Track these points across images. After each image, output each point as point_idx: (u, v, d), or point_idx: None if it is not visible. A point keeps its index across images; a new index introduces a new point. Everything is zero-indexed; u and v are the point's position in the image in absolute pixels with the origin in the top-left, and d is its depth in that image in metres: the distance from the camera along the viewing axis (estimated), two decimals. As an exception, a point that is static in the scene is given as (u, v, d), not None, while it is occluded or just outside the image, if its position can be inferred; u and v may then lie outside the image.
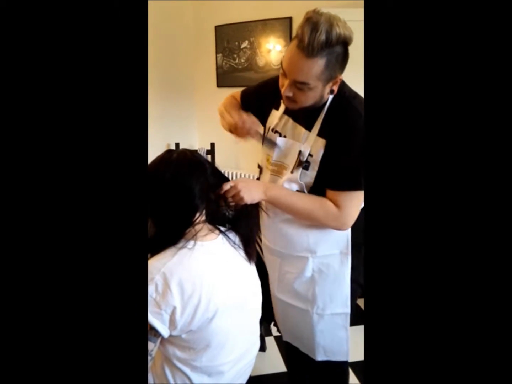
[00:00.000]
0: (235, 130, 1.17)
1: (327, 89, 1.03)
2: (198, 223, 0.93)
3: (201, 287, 0.85)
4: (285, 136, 1.16)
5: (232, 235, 1.01)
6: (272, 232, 1.18)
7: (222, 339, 0.89)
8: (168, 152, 0.95)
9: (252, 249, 1.05)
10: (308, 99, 1.03)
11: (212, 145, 2.89)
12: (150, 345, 0.85)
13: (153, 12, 2.89)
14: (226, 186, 1.00)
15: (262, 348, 1.93)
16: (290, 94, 1.02)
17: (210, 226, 0.97)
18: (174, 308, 0.82)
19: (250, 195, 1.03)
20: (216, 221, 1.01)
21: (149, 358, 0.87)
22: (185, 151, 0.96)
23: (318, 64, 0.95)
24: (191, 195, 0.90)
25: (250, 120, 1.14)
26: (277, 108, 1.20)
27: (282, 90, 1.03)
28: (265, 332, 1.97)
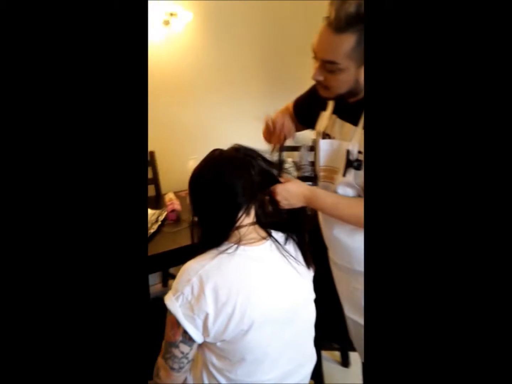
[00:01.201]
0: (267, 135, 1.08)
1: (363, 73, 0.88)
2: (243, 225, 0.87)
3: (236, 295, 0.79)
4: (333, 138, 1.03)
5: (286, 241, 0.93)
6: (333, 245, 1.06)
7: (259, 355, 0.82)
8: (214, 151, 0.91)
9: (308, 256, 0.96)
10: (341, 84, 0.90)
11: (314, 141, 2.79)
12: (186, 348, 0.82)
13: (264, 10, 2.92)
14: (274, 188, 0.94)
15: (346, 363, 1.78)
16: (321, 78, 0.91)
17: (259, 230, 0.90)
18: (207, 315, 0.78)
19: (289, 203, 0.96)
20: (267, 224, 0.94)
21: (185, 360, 0.84)
22: (230, 148, 0.92)
23: (347, 40, 0.83)
24: (233, 192, 0.84)
25: (281, 123, 1.04)
26: (325, 109, 1.08)
27: (312, 74, 0.92)
28: (349, 346, 1.82)
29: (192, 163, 2.32)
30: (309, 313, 0.91)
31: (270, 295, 0.83)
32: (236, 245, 0.85)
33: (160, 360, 0.86)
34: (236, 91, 2.55)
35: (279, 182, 0.98)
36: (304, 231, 0.98)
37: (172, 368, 0.85)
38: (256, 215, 0.92)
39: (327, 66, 0.88)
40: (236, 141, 1.26)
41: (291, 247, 0.93)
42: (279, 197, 0.96)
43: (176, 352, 0.83)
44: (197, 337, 0.80)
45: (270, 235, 0.90)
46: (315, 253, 1.24)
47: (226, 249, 0.84)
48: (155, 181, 2.28)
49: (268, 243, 0.89)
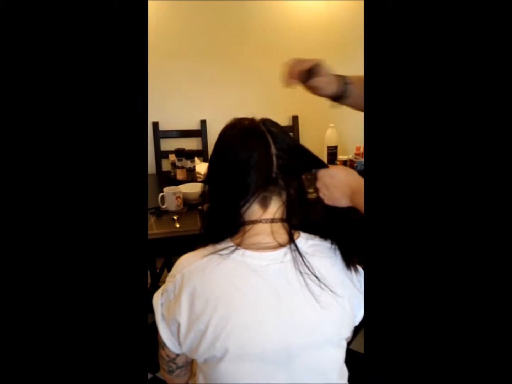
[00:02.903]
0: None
1: None
2: (254, 220, 0.66)
3: (212, 311, 0.60)
4: None
5: (329, 249, 0.67)
6: None
7: (237, 392, 0.62)
8: (232, 120, 0.70)
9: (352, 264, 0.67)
10: None
11: None
12: (171, 353, 0.70)
13: None
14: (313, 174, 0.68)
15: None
16: None
17: (280, 232, 0.66)
18: (179, 325, 0.63)
19: (330, 194, 0.70)
20: (299, 225, 0.69)
21: (173, 365, 0.73)
22: (253, 119, 0.69)
23: None
24: (240, 169, 0.64)
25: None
26: None
27: None
28: None
29: (330, 132, 2.07)
30: (322, 358, 0.62)
31: (257, 323, 0.60)
32: (235, 246, 0.65)
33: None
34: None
35: (324, 166, 0.71)
36: (349, 240, 0.68)
37: (163, 369, 0.75)
38: (288, 210, 0.68)
39: None
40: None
41: (325, 261, 0.66)
42: (319, 184, 0.71)
43: (162, 353, 0.71)
44: (173, 346, 0.66)
45: (292, 240, 0.66)
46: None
47: (223, 249, 0.65)
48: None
49: (283, 251, 0.64)
